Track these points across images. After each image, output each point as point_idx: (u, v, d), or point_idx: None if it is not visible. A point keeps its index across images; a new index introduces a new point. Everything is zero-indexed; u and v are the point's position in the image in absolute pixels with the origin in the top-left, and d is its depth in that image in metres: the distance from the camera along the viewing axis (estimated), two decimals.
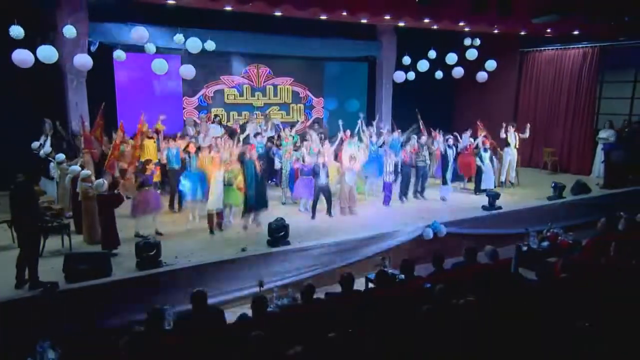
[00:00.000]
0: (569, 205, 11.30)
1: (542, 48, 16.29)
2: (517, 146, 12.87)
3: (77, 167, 8.49)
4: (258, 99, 14.56)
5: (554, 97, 16.05)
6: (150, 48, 10.23)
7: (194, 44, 10.38)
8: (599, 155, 14.49)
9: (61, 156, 9.40)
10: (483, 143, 12.38)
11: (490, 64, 14.10)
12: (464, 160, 12.41)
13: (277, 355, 4.16)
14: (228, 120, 13.83)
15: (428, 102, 15.48)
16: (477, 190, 12.08)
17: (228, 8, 10.22)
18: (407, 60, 13.79)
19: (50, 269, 6.91)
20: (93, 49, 11.50)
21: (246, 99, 14.38)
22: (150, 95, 12.63)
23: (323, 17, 11.14)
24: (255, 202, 9.10)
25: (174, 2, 9.83)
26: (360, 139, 11.56)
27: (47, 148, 9.84)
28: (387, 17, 10.36)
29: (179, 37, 10.38)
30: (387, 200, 10.81)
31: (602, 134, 14.54)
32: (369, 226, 9.35)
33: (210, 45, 10.98)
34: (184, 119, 13.21)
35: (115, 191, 7.63)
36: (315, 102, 15.68)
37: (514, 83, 17.11)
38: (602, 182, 13.26)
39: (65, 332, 5.87)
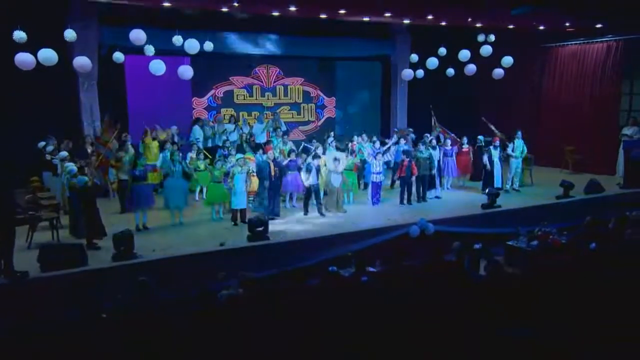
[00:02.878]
0: (575, 205, 10.81)
1: (565, 43, 15.66)
2: (523, 153, 12.33)
3: (71, 165, 8.86)
4: (268, 99, 14.73)
5: (577, 93, 15.40)
6: (149, 50, 10.58)
7: (191, 45, 10.66)
8: (622, 153, 13.79)
9: (64, 154, 9.88)
10: (493, 140, 12.11)
11: (507, 60, 13.74)
12: (460, 159, 12.25)
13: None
14: (237, 120, 14.02)
15: (450, 100, 15.30)
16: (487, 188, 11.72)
17: (224, 9, 10.45)
18: (414, 58, 13.63)
19: (32, 259, 7.29)
20: (104, 52, 11.99)
21: (256, 99, 14.59)
22: (161, 96, 13.00)
23: (323, 17, 11.20)
24: (267, 206, 9.59)
25: (169, 4, 10.12)
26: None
27: (62, 153, 10.24)
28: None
29: (177, 39, 10.68)
30: (375, 201, 10.73)
31: (626, 131, 13.82)
32: (356, 224, 9.34)
33: (209, 46, 11.25)
34: (198, 117, 13.50)
35: (90, 183, 7.95)
36: (327, 102, 15.70)
37: (536, 80, 16.53)
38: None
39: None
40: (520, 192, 12.09)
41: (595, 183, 11.79)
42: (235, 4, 10.02)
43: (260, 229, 8.38)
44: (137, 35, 10.19)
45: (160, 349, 4.38)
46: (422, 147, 11.31)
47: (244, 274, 5.68)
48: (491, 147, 11.81)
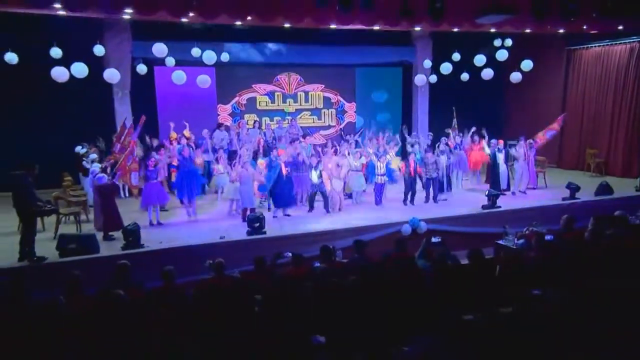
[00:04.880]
0: (574, 207, 10.83)
1: (589, 45, 15.57)
2: (526, 159, 12.45)
3: (96, 165, 9.98)
4: (289, 105, 15.51)
5: (600, 95, 15.30)
6: (170, 61, 11.59)
7: (209, 56, 11.62)
8: None
9: (93, 156, 11.05)
10: (498, 143, 12.34)
11: (526, 64, 13.85)
12: (472, 154, 12.55)
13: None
14: (260, 125, 14.85)
15: (474, 104, 15.50)
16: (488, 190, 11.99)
17: (237, 23, 11.31)
18: (427, 63, 14.01)
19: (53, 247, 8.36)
20: (137, 64, 13.10)
21: (278, 105, 15.40)
22: (188, 103, 14.05)
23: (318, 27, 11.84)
24: (279, 200, 10.53)
25: (186, 20, 11.03)
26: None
27: (91, 155, 11.44)
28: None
29: (196, 51, 11.64)
30: (378, 201, 11.23)
31: None
32: (351, 222, 9.91)
33: (225, 57, 12.18)
34: (221, 122, 14.48)
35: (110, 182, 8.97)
36: (347, 107, 16.28)
37: (561, 82, 16.46)
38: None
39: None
40: (528, 194, 12.22)
41: (604, 185, 11.77)
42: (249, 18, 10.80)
43: (258, 224, 9.13)
44: (159, 48, 11.24)
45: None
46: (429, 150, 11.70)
47: (219, 261, 6.37)
48: (496, 150, 12.02)
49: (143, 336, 4.78)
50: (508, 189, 12.19)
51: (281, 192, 10.50)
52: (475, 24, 9.93)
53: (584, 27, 11.76)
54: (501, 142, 12.26)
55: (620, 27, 13.35)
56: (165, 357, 4.52)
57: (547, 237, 6.88)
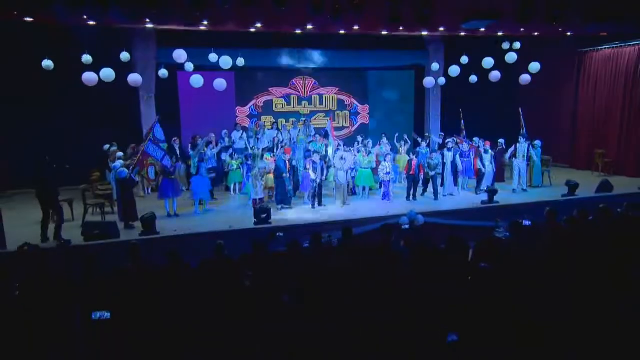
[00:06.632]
0: (571, 203, 11.15)
1: (600, 47, 15.80)
2: (525, 156, 12.88)
3: (119, 162, 10.91)
4: (304, 107, 16.27)
5: (610, 96, 15.49)
6: (189, 66, 12.49)
7: (225, 61, 12.46)
8: None
9: (120, 154, 12.01)
10: (484, 144, 12.78)
11: (534, 66, 14.21)
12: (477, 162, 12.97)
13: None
14: (279, 127, 15.57)
15: (491, 106, 15.97)
16: (477, 189, 12.68)
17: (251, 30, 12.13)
18: (435, 67, 14.53)
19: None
20: (160, 69, 14.03)
21: (293, 107, 16.19)
22: (208, 106, 14.95)
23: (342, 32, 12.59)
24: (277, 196, 11.35)
25: (204, 28, 11.93)
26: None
27: (118, 154, 12.40)
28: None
29: (213, 56, 12.50)
30: (384, 197, 11.88)
31: None
32: (354, 215, 10.56)
33: (240, 62, 13.01)
34: (237, 123, 15.36)
35: (129, 177, 9.88)
36: (361, 109, 16.94)
37: (573, 84, 16.70)
38: None
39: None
40: (527, 192, 12.62)
41: (605, 183, 12.08)
42: (259, 25, 11.64)
43: (264, 216, 9.89)
44: (179, 55, 12.15)
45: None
46: (428, 150, 12.26)
47: (220, 244, 7.12)
48: (482, 152, 12.51)
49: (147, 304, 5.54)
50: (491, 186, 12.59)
51: (281, 191, 11.29)
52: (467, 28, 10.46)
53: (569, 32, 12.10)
54: (488, 143, 12.73)
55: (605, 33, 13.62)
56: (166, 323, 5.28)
57: (525, 223, 7.38)
